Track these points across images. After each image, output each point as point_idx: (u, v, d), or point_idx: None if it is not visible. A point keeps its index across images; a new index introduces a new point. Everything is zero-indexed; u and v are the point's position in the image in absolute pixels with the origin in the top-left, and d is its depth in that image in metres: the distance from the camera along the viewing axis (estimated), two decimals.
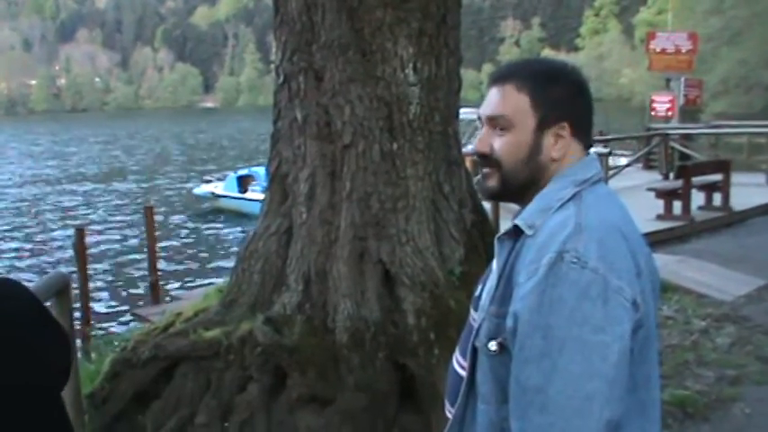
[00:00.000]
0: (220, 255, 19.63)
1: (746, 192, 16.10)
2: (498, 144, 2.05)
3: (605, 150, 16.10)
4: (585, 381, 1.76)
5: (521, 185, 2.07)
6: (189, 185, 32.32)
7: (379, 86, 5.12)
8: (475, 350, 2.00)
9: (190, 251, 20.71)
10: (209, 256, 19.96)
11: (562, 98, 2.08)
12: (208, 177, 30.27)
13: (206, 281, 15.38)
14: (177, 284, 15.99)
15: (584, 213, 1.92)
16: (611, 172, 16.80)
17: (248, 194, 23.72)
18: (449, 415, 2.19)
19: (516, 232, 1.98)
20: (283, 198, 5.50)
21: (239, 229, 22.12)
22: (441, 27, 5.26)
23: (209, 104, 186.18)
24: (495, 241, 2.03)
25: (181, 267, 18.56)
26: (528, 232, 1.94)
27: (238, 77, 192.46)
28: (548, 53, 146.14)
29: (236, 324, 5.32)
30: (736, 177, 15.41)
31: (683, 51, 24.80)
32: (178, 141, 68.43)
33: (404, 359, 4.97)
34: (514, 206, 2.22)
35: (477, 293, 2.14)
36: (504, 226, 2.33)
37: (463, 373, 2.09)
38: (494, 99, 2.08)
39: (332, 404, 4.95)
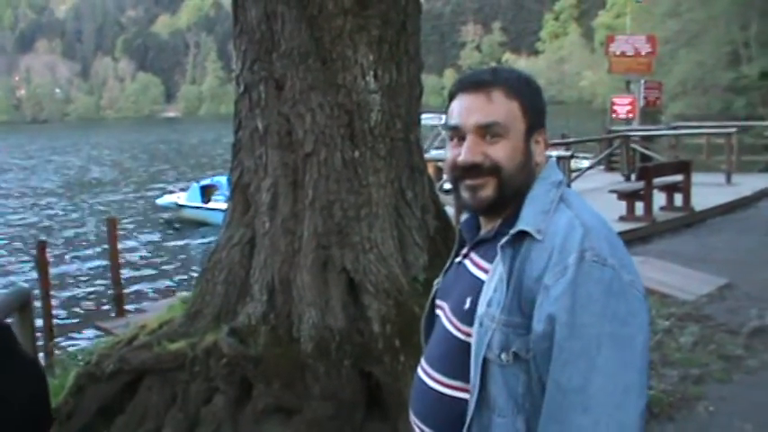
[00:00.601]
0: (184, 265, 19.51)
1: (707, 192, 16.32)
2: (495, 150, 2.04)
3: (567, 153, 16.21)
4: (622, 374, 1.82)
5: (515, 192, 2.06)
6: (152, 195, 32.07)
7: (339, 94, 5.11)
8: (484, 364, 1.96)
9: (153, 262, 20.53)
10: (173, 266, 19.81)
11: (541, 105, 2.16)
12: (170, 188, 30.06)
13: (171, 292, 15.28)
14: (142, 296, 15.86)
15: (581, 214, 1.98)
16: (573, 174, 16.93)
17: (211, 204, 23.59)
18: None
19: (517, 239, 1.97)
20: (246, 208, 5.48)
21: (203, 239, 22.00)
22: (401, 34, 5.26)
23: (171, 114, 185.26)
24: (498, 250, 1.98)
25: (145, 279, 18.39)
26: (538, 237, 1.94)
27: (200, 86, 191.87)
28: (509, 57, 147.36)
29: (201, 335, 5.28)
30: (696, 178, 15.58)
31: (643, 54, 25.10)
32: (141, 151, 67.94)
33: (370, 367, 4.96)
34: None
35: (466, 306, 2.06)
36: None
37: (451, 392, 2.08)
38: (481, 106, 2.05)
39: (298, 414, 4.93)
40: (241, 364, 5.03)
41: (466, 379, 2.02)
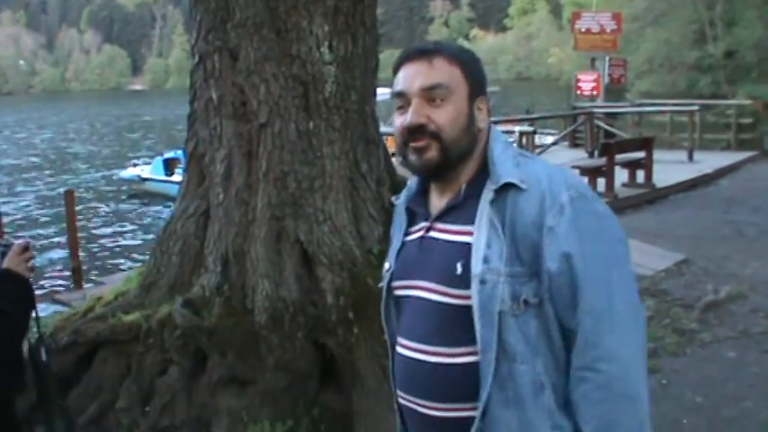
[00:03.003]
0: (145, 238, 19.36)
1: (668, 169, 16.46)
2: (439, 114, 2.10)
3: (530, 129, 16.26)
4: (630, 290, 2.06)
5: (459, 155, 2.13)
6: (117, 168, 31.76)
7: (294, 65, 5.06)
8: (500, 317, 2.01)
9: (115, 235, 20.39)
10: (134, 239, 19.67)
11: (481, 75, 2.22)
12: (134, 161, 29.81)
13: (131, 264, 15.18)
14: (102, 269, 15.74)
15: (547, 163, 2.17)
16: (537, 150, 16.99)
17: (174, 177, 23.35)
18: (417, 408, 2.16)
19: (500, 193, 2.06)
20: (201, 179, 5.44)
21: (165, 211, 21.85)
22: (357, 5, 5.21)
23: (138, 87, 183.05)
24: (488, 206, 2.06)
25: (105, 251, 18.25)
26: (523, 186, 2.04)
27: (167, 59, 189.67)
28: (477, 33, 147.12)
29: (156, 307, 5.26)
30: (658, 155, 15.72)
31: (608, 31, 25.15)
32: (107, 124, 67.21)
33: (323, 339, 4.97)
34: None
35: (458, 272, 2.07)
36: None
37: (457, 360, 2.08)
38: (424, 70, 2.11)
39: (252, 385, 4.95)
40: (195, 335, 5.02)
41: (469, 342, 2.05)
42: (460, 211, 2.13)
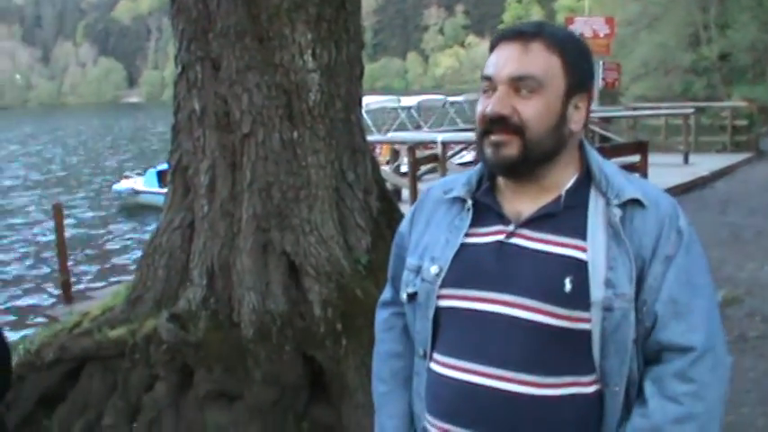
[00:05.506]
0: (137, 251, 19.23)
1: (664, 172, 16.38)
2: (525, 107, 1.86)
3: None
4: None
5: (541, 157, 1.89)
6: (112, 181, 31.57)
7: (277, 74, 4.98)
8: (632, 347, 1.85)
9: (108, 249, 20.24)
10: (126, 252, 19.52)
11: (587, 67, 1.97)
12: (127, 173, 29.62)
13: (122, 278, 15.06)
14: (94, 283, 15.61)
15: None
16: None
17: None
18: None
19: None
20: (186, 191, 5.36)
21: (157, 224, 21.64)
22: (340, 12, 5.14)
23: (134, 99, 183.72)
24: (617, 222, 1.86)
25: (97, 266, 18.10)
26: (647, 204, 1.89)
27: (162, 71, 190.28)
28: (472, 40, 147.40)
29: (142, 322, 5.18)
30: (653, 158, 15.61)
31: (601, 35, 25.15)
32: (103, 137, 67.09)
33: (311, 351, 4.88)
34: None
35: (566, 289, 1.83)
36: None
37: (550, 392, 1.83)
38: (517, 56, 1.88)
39: (240, 400, 4.86)
40: (181, 350, 4.94)
41: (572, 371, 1.85)
42: (559, 220, 1.89)
